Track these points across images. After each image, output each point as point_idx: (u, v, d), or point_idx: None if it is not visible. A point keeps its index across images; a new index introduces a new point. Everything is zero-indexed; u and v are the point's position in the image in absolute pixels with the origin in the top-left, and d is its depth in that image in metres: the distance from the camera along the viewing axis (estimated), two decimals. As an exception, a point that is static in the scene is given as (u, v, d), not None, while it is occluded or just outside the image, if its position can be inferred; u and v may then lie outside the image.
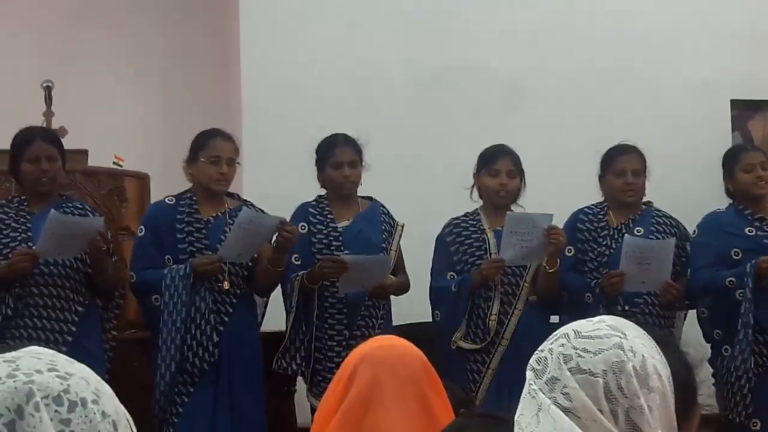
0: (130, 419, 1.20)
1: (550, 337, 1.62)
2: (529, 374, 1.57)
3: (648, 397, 1.53)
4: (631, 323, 1.61)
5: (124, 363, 5.04)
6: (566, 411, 1.52)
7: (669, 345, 1.63)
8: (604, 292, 4.93)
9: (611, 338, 1.56)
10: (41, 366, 1.13)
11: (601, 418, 1.52)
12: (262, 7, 6.37)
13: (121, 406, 1.19)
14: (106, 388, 1.18)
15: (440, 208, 5.30)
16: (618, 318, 1.62)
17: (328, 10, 6.44)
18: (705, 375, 5.00)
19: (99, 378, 1.19)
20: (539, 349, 1.61)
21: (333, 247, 4.95)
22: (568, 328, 1.61)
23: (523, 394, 1.60)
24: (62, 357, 1.17)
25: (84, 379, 1.14)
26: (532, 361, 1.60)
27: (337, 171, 5.02)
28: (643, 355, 1.55)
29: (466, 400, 3.17)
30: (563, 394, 1.54)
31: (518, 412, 1.59)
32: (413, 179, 6.24)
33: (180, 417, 4.69)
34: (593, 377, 1.53)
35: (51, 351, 1.18)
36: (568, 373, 1.54)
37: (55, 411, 1.10)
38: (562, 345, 1.57)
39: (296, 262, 4.92)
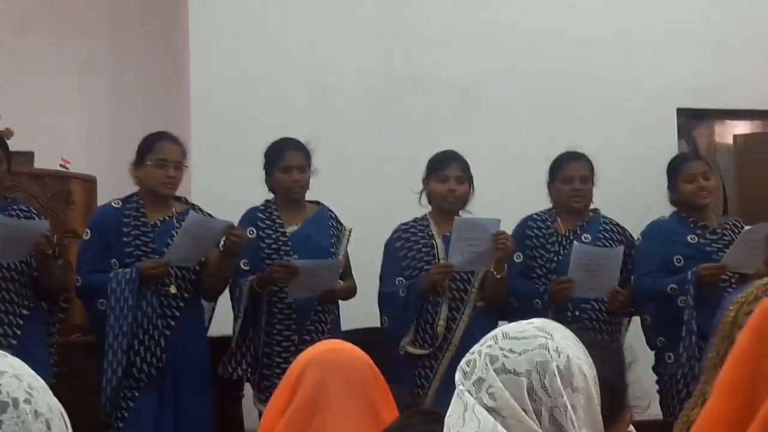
0: (65, 414, 1.17)
1: (482, 340, 1.64)
2: (458, 376, 1.60)
3: (572, 396, 1.56)
4: (561, 325, 1.64)
5: (70, 366, 5.00)
6: (491, 410, 1.55)
7: (598, 347, 1.65)
8: (552, 298, 4.97)
9: (537, 339, 1.59)
10: None
11: (525, 417, 1.54)
12: (213, 6, 6.34)
13: (56, 402, 1.16)
14: (40, 383, 1.15)
15: (391, 214, 5.31)
16: (548, 320, 1.65)
17: (282, 11, 6.43)
18: (635, 377, 5.04)
19: (31, 372, 1.16)
20: (470, 351, 1.63)
21: (282, 252, 4.94)
22: (497, 330, 1.64)
23: (453, 396, 1.62)
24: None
25: (16, 377, 1.12)
26: (462, 363, 1.62)
27: (286, 175, 5.01)
28: (568, 356, 1.58)
29: (414, 405, 3.17)
30: (488, 394, 1.56)
31: (447, 413, 1.61)
32: (365, 184, 6.24)
33: (125, 421, 4.66)
34: (517, 377, 1.56)
35: None
36: (493, 374, 1.57)
37: None
38: (490, 346, 1.60)
39: (245, 267, 4.90)
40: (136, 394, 4.67)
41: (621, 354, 1.72)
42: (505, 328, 1.64)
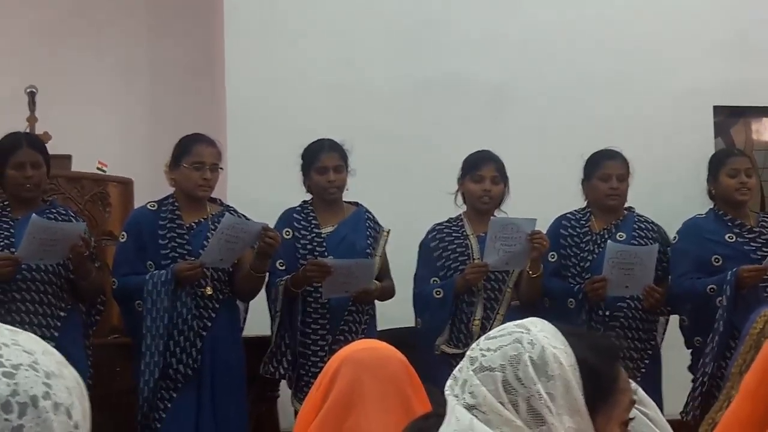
0: (81, 383, 1.15)
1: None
2: (449, 382, 1.65)
3: (547, 384, 1.60)
4: (542, 320, 1.68)
5: (107, 368, 5.04)
6: (472, 408, 1.60)
7: (581, 335, 1.68)
8: (586, 297, 4.95)
9: (512, 335, 1.65)
10: None
11: (502, 409, 1.58)
12: (247, 12, 6.37)
13: (71, 373, 1.12)
14: (54, 358, 1.11)
15: (426, 214, 5.31)
16: (534, 318, 1.69)
17: (315, 17, 6.44)
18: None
19: (45, 347, 1.12)
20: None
21: (317, 253, 4.95)
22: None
23: None
24: (4, 334, 1.10)
25: (32, 368, 1.08)
26: (455, 370, 1.67)
27: (322, 176, 5.02)
28: (542, 347, 1.62)
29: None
30: (469, 393, 1.62)
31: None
32: (399, 185, 6.24)
33: (163, 422, 4.69)
34: (493, 372, 1.61)
35: None
36: (472, 373, 1.63)
37: (5, 420, 1.04)
38: (472, 349, 1.67)
39: (281, 268, 4.91)
40: (174, 395, 4.70)
41: (609, 340, 1.75)
42: (490, 331, 1.70)
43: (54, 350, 1.13)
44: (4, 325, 1.12)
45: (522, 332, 1.64)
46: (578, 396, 1.60)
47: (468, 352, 1.66)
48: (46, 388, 1.07)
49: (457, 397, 1.63)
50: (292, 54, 6.37)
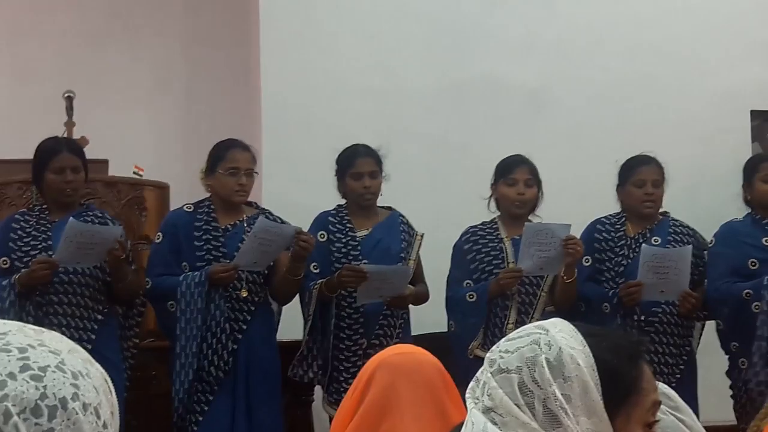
0: (108, 379, 1.16)
1: None
2: (471, 384, 1.65)
3: (564, 386, 1.59)
4: (562, 321, 1.67)
5: (143, 371, 5.07)
6: (489, 411, 1.60)
7: (601, 335, 1.67)
8: (621, 302, 4.93)
9: (530, 336, 1.64)
10: (13, 366, 1.05)
11: (518, 411, 1.58)
12: (282, 15, 6.39)
13: (98, 371, 1.12)
14: (81, 357, 1.11)
15: (460, 218, 5.30)
16: (556, 319, 1.68)
17: (350, 19, 6.45)
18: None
19: (70, 345, 1.11)
20: None
21: (351, 257, 4.96)
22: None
23: None
24: (29, 334, 1.09)
25: (59, 369, 1.07)
26: (477, 373, 1.68)
27: (357, 182, 5.03)
28: (560, 347, 1.61)
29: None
30: (487, 395, 1.62)
31: None
32: (434, 189, 6.24)
33: (199, 425, 4.71)
34: (509, 374, 1.61)
35: (16, 328, 1.10)
36: (490, 375, 1.62)
37: (36, 424, 1.03)
38: (491, 351, 1.67)
39: (315, 271, 4.92)
40: (210, 397, 4.72)
41: (632, 340, 1.73)
42: (510, 333, 1.70)
43: (79, 348, 1.13)
44: (27, 324, 1.12)
45: (540, 333, 1.64)
46: (596, 397, 1.60)
47: (488, 354, 1.67)
48: (74, 389, 1.07)
49: (477, 399, 1.63)
50: (327, 58, 6.39)
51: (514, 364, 1.61)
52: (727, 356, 5.12)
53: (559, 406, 1.57)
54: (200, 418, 4.71)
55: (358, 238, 5.01)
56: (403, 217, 5.16)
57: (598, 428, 1.59)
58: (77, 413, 1.06)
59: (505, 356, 1.62)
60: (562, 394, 1.58)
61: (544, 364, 1.59)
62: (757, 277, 4.90)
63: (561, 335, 1.63)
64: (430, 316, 5.18)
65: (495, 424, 1.59)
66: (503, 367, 1.61)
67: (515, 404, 1.58)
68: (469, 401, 1.64)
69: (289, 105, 6.30)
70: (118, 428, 1.14)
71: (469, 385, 1.66)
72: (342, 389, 4.79)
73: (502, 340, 1.68)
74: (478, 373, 1.66)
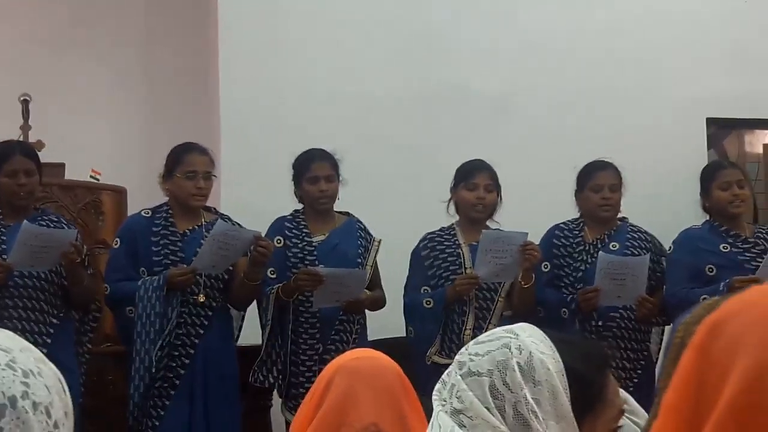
0: (62, 379, 1.13)
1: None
2: (437, 386, 1.64)
3: (534, 390, 1.60)
4: (531, 326, 1.68)
5: (99, 376, 5.03)
6: (459, 413, 1.60)
7: (570, 342, 1.68)
8: (579, 307, 4.96)
9: (501, 340, 1.65)
10: None
11: (488, 414, 1.59)
12: (242, 20, 6.37)
13: (50, 370, 1.10)
14: (32, 356, 1.09)
15: (422, 224, 5.31)
16: (524, 324, 1.68)
17: (312, 25, 6.44)
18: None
19: (22, 344, 1.09)
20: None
21: (307, 261, 4.94)
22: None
23: None
24: None
25: (9, 367, 1.05)
26: (443, 375, 1.65)
27: (313, 186, 5.02)
28: (530, 352, 1.62)
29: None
30: (456, 398, 1.63)
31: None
32: (395, 194, 6.24)
33: (156, 430, 4.67)
34: (480, 377, 1.62)
35: None
36: (460, 378, 1.63)
37: None
38: (460, 354, 1.67)
39: (272, 276, 4.91)
40: (167, 402, 4.70)
41: (600, 349, 1.74)
42: (479, 336, 1.70)
43: (32, 347, 1.11)
44: None
45: (510, 337, 1.64)
46: (565, 402, 1.60)
47: (457, 357, 1.66)
48: (24, 387, 1.05)
49: (444, 401, 1.62)
50: (288, 62, 6.38)
51: (485, 367, 1.61)
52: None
53: (530, 410, 1.57)
54: (157, 423, 4.68)
55: (314, 243, 5.00)
56: (361, 222, 5.16)
57: None
58: (27, 412, 1.04)
59: (476, 359, 1.62)
60: (532, 398, 1.58)
61: (515, 368, 1.60)
62: (714, 283, 4.94)
63: (531, 340, 1.63)
64: (387, 321, 5.18)
65: (463, 426, 1.58)
66: (473, 369, 1.61)
67: (485, 407, 1.58)
68: (435, 403, 1.63)
69: (249, 110, 6.28)
70: (73, 429, 1.12)
71: (436, 387, 1.66)
72: (298, 394, 4.79)
73: (471, 343, 1.68)
74: (445, 375, 1.66)
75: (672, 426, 1.00)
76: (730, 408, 0.97)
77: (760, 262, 4.96)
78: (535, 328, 1.68)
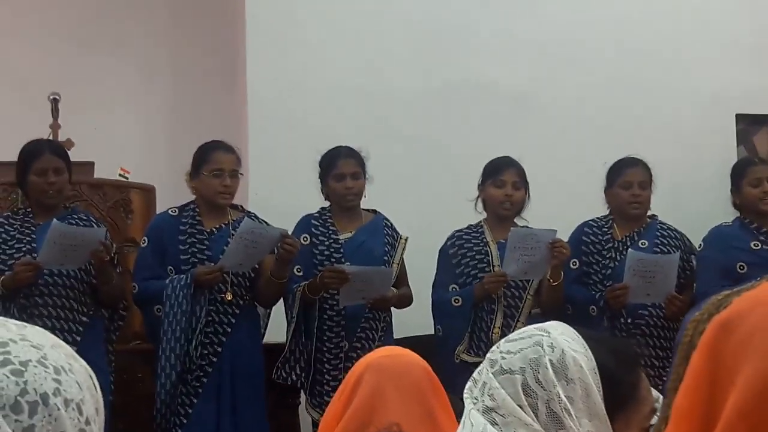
0: (93, 375, 1.13)
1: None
2: (468, 384, 1.64)
3: (567, 388, 1.60)
4: (563, 324, 1.67)
5: (129, 374, 5.05)
6: (491, 411, 1.59)
7: (601, 340, 1.67)
8: (608, 304, 4.94)
9: (533, 338, 1.65)
10: None
11: (520, 412, 1.59)
12: (268, 18, 6.38)
13: (81, 366, 1.09)
14: (63, 352, 1.08)
15: (447, 221, 5.30)
16: (556, 322, 1.68)
17: (336, 21, 6.45)
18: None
19: (53, 340, 1.09)
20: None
21: (334, 259, 4.94)
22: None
23: None
24: (11, 329, 1.07)
25: (41, 363, 1.05)
26: (474, 373, 1.65)
27: (339, 183, 5.02)
28: (563, 350, 1.62)
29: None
30: (488, 396, 1.62)
31: None
32: (420, 192, 6.23)
33: (183, 428, 4.69)
34: (513, 375, 1.61)
35: None
36: (492, 376, 1.63)
37: (16, 421, 1.01)
38: (492, 352, 1.67)
39: (298, 273, 4.92)
40: (195, 400, 4.71)
41: (630, 347, 1.73)
42: (511, 334, 1.70)
43: (63, 343, 1.10)
44: (10, 320, 1.11)
45: (542, 335, 1.64)
46: (598, 400, 1.60)
47: (488, 355, 1.67)
48: (56, 384, 1.04)
49: (476, 399, 1.62)
50: (313, 58, 6.38)
51: (518, 365, 1.61)
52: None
53: (563, 408, 1.57)
54: (184, 421, 4.69)
55: (341, 241, 5.00)
56: (387, 220, 5.16)
57: (598, 430, 1.59)
58: (59, 409, 1.03)
59: (508, 357, 1.62)
60: (565, 396, 1.57)
61: (548, 366, 1.59)
62: (745, 281, 4.89)
63: (563, 338, 1.63)
64: (413, 318, 5.17)
65: (495, 424, 1.58)
66: (506, 367, 1.61)
67: (518, 405, 1.58)
68: (467, 401, 1.63)
69: (275, 107, 6.29)
70: (104, 426, 1.11)
71: (467, 386, 1.66)
72: (323, 392, 4.81)
73: (503, 341, 1.67)
74: (476, 374, 1.66)
75: (688, 429, 0.98)
76: (737, 413, 0.95)
77: None
78: (567, 326, 1.68)
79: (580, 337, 1.65)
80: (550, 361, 1.60)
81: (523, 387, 1.59)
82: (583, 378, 1.60)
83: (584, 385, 1.60)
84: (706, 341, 1.02)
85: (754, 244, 5.04)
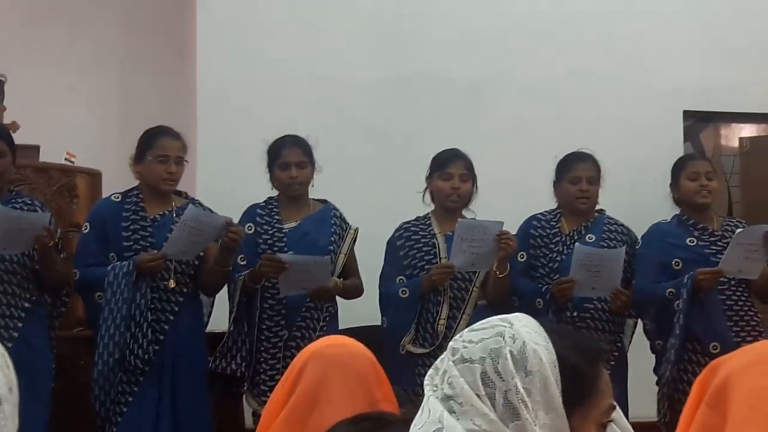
0: (4, 354, 1.11)
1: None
2: (429, 372, 1.65)
3: (525, 380, 1.60)
4: (526, 316, 1.68)
5: (72, 361, 5.00)
6: (449, 399, 1.60)
7: (564, 333, 1.68)
8: (554, 297, 4.96)
9: (495, 328, 1.65)
10: None
11: (478, 401, 1.59)
12: (220, 4, 6.35)
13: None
14: None
15: (399, 212, 5.29)
16: (519, 314, 1.69)
17: (290, 9, 6.43)
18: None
19: None
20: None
21: (277, 248, 4.93)
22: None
23: None
24: None
25: None
26: (437, 361, 1.68)
27: (284, 172, 5.00)
28: (523, 341, 1.62)
29: (412, 404, 3.17)
30: (448, 384, 1.62)
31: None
32: (373, 182, 6.24)
33: (123, 417, 4.65)
34: (472, 364, 1.61)
35: None
36: (452, 364, 1.63)
37: None
38: (455, 340, 1.68)
39: (241, 263, 4.90)
40: (135, 389, 4.67)
41: (595, 342, 1.74)
42: (475, 324, 1.70)
43: None
44: None
45: (505, 326, 1.64)
46: (555, 393, 1.61)
47: (451, 343, 1.67)
48: None
49: (435, 387, 1.62)
50: (265, 46, 6.36)
51: (478, 355, 1.61)
52: (653, 354, 5.18)
53: (520, 399, 1.58)
54: (124, 409, 4.65)
55: (284, 230, 4.99)
56: (337, 210, 5.14)
57: (554, 424, 1.60)
58: None
59: (469, 346, 1.63)
60: (523, 388, 1.59)
61: (508, 357, 1.60)
62: (680, 277, 4.96)
63: (525, 329, 1.64)
64: (363, 309, 5.16)
65: (453, 412, 1.58)
66: (466, 356, 1.62)
67: (476, 394, 1.58)
68: (427, 389, 1.63)
69: (225, 94, 6.26)
70: (17, 405, 1.09)
71: (428, 373, 1.67)
72: (262, 381, 4.81)
73: (466, 330, 1.68)
74: (438, 361, 1.67)
75: None
76: None
77: None
78: (531, 318, 1.68)
79: (543, 329, 1.66)
80: (510, 352, 1.61)
81: (482, 376, 1.60)
82: (542, 370, 1.60)
83: (543, 377, 1.60)
84: (710, 398, 1.05)
85: (690, 241, 5.10)
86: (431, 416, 1.59)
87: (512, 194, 5.88)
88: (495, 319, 1.68)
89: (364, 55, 6.46)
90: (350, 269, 5.07)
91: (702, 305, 4.92)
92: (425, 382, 1.66)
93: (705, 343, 4.94)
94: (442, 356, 1.67)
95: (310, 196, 5.12)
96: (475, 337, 1.64)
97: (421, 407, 1.64)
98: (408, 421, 1.66)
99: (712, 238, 5.11)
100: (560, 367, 1.62)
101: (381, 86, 6.42)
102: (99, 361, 4.60)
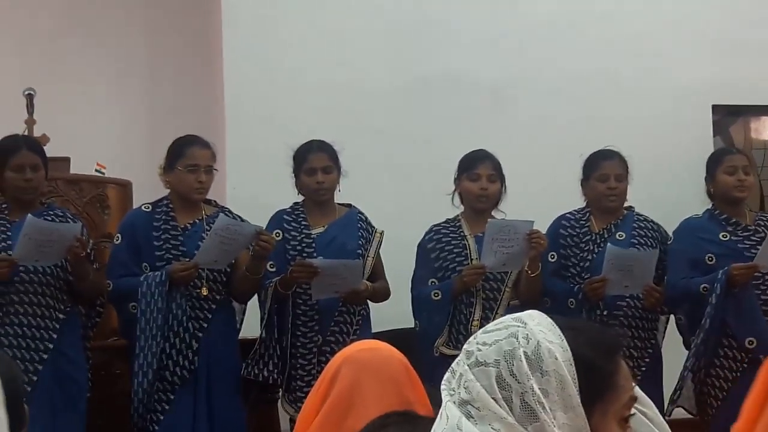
0: None
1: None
2: (446, 376, 1.63)
3: (541, 380, 1.57)
4: (541, 314, 1.66)
5: (106, 370, 5.03)
6: (466, 403, 1.58)
7: (579, 329, 1.66)
8: (586, 296, 4.95)
9: (509, 329, 1.62)
10: None
11: (495, 405, 1.56)
12: (246, 14, 6.38)
13: None
14: None
15: (423, 215, 5.30)
16: (533, 311, 1.67)
17: (312, 16, 6.44)
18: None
19: None
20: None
21: (306, 254, 4.93)
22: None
23: None
24: None
25: None
26: (453, 364, 1.66)
27: (310, 177, 5.01)
28: (537, 341, 1.59)
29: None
30: (464, 388, 1.60)
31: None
32: (397, 186, 6.24)
33: (160, 425, 4.67)
34: (487, 367, 1.59)
35: None
36: (467, 367, 1.60)
37: None
38: (468, 343, 1.65)
39: (271, 269, 4.91)
40: (172, 397, 4.69)
41: (608, 334, 1.72)
42: (488, 325, 1.68)
43: None
44: None
45: (518, 326, 1.62)
46: (573, 392, 1.58)
47: (465, 346, 1.64)
48: None
49: (452, 391, 1.61)
50: (290, 53, 6.38)
51: (492, 357, 1.59)
52: (687, 350, 5.15)
53: (537, 401, 1.55)
54: (161, 417, 4.68)
55: (312, 236, 5.00)
56: (362, 214, 5.15)
57: (574, 423, 1.57)
58: None
59: (483, 349, 1.60)
60: (539, 389, 1.56)
61: (522, 358, 1.57)
62: (714, 272, 4.93)
63: (539, 328, 1.61)
64: (392, 312, 5.17)
65: (471, 417, 1.57)
66: (481, 359, 1.59)
67: (492, 398, 1.56)
68: (444, 393, 1.62)
69: (252, 102, 6.28)
70: (6, 412, 1.09)
71: (445, 377, 1.64)
72: (297, 386, 4.82)
73: (479, 331, 1.66)
74: (454, 365, 1.64)
75: None
76: None
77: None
78: (544, 315, 1.66)
79: (557, 327, 1.63)
80: (525, 353, 1.58)
81: (498, 380, 1.57)
82: (558, 370, 1.58)
83: (559, 377, 1.58)
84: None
85: (723, 235, 5.07)
86: (449, 422, 1.57)
87: (537, 194, 5.87)
88: (508, 319, 1.65)
89: (386, 60, 6.46)
90: (377, 272, 5.08)
91: (737, 300, 4.90)
92: (442, 386, 1.64)
93: (740, 338, 4.91)
94: (458, 359, 1.65)
95: (336, 201, 5.14)
96: (489, 339, 1.61)
97: (439, 413, 1.63)
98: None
99: (745, 233, 5.08)
100: (576, 364, 1.59)
101: (404, 90, 6.43)
102: (139, 372, 4.62)
